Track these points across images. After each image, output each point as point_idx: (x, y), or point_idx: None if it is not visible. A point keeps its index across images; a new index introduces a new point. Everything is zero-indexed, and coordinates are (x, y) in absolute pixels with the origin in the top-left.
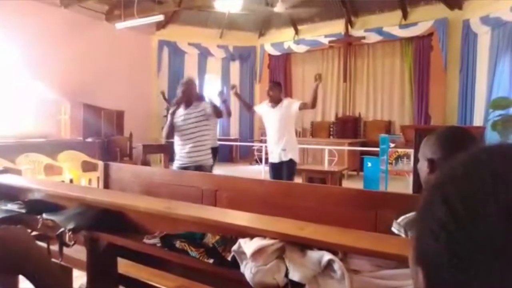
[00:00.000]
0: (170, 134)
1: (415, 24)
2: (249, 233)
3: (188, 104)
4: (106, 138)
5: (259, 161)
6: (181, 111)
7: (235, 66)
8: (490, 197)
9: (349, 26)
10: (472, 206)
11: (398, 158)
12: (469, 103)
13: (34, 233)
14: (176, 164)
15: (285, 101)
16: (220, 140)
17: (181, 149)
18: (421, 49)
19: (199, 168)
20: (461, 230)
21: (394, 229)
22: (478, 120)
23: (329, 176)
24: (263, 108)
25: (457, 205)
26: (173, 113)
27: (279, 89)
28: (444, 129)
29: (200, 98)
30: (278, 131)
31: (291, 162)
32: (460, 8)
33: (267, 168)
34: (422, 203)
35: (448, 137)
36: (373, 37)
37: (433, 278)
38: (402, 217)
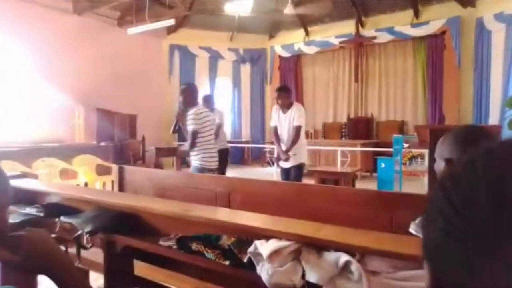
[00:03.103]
0: None
1: (427, 23)
2: (265, 234)
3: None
4: (119, 142)
5: (271, 163)
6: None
7: (245, 69)
8: (482, 185)
9: (360, 26)
10: (465, 192)
11: (412, 158)
12: (484, 101)
13: (52, 236)
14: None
15: (295, 108)
16: (231, 142)
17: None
18: (433, 48)
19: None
20: (456, 214)
21: (412, 230)
22: (493, 119)
23: (342, 178)
24: (275, 115)
25: (452, 192)
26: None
27: (286, 95)
28: (461, 128)
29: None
30: (288, 136)
31: (300, 165)
32: (473, 5)
33: (279, 170)
34: (428, 200)
35: (465, 136)
36: (385, 37)
37: (435, 267)
38: (420, 218)
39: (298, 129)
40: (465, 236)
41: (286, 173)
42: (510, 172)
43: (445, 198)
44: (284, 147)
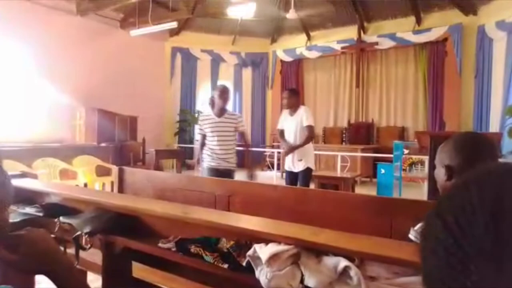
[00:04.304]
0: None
1: (429, 30)
2: (264, 238)
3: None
4: (120, 143)
5: (271, 166)
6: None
7: (247, 73)
8: (477, 209)
9: (362, 32)
10: (461, 218)
11: (412, 164)
12: (485, 109)
13: (51, 236)
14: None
15: (303, 109)
16: None
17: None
18: (435, 54)
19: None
20: (455, 242)
21: (412, 236)
22: (494, 127)
23: (342, 183)
24: (282, 118)
25: (448, 218)
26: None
27: (294, 97)
28: (461, 135)
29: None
30: (293, 138)
31: (307, 170)
32: (475, 13)
33: (279, 174)
34: (424, 226)
35: (465, 143)
36: (386, 43)
37: None
38: (420, 224)
39: (310, 128)
40: (468, 268)
41: (292, 177)
42: (505, 198)
43: (443, 227)
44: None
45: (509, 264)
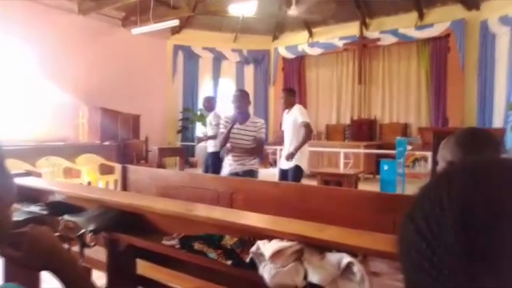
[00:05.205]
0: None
1: (431, 25)
2: (268, 235)
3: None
4: (123, 142)
5: (273, 163)
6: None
7: (249, 70)
8: (447, 212)
9: (364, 28)
10: (432, 221)
11: (415, 161)
12: (488, 104)
13: (55, 234)
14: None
15: (296, 107)
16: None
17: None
18: (437, 50)
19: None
20: (428, 247)
21: None
22: (497, 122)
23: (345, 179)
24: (283, 117)
25: (420, 222)
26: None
27: (289, 95)
28: (464, 130)
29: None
30: (288, 137)
31: (296, 168)
32: (477, 8)
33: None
34: (399, 229)
35: (467, 138)
36: (389, 39)
37: None
38: None
39: (306, 124)
40: (442, 273)
41: (283, 174)
42: (474, 200)
43: (415, 231)
44: (285, 151)
45: (483, 270)
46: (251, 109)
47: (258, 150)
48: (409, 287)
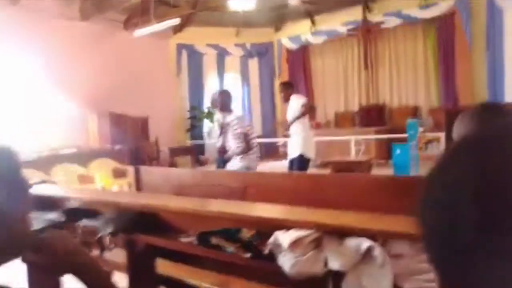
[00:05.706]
0: None
1: (435, 4)
2: (285, 225)
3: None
4: (134, 145)
5: (283, 156)
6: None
7: (253, 63)
8: (465, 183)
9: (367, 12)
10: (451, 193)
11: (428, 143)
12: (498, 81)
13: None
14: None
15: (292, 98)
16: None
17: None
18: (444, 29)
19: None
20: (449, 220)
21: None
22: (509, 98)
23: (358, 167)
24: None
25: (439, 192)
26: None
27: (286, 88)
28: (478, 105)
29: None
30: (289, 128)
31: (300, 157)
32: None
33: None
34: (419, 207)
35: (482, 112)
36: (393, 21)
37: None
38: None
39: (302, 104)
40: (464, 245)
41: (290, 164)
42: (490, 168)
43: (435, 206)
44: (289, 141)
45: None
46: (257, 103)
47: (242, 148)
48: (435, 265)
